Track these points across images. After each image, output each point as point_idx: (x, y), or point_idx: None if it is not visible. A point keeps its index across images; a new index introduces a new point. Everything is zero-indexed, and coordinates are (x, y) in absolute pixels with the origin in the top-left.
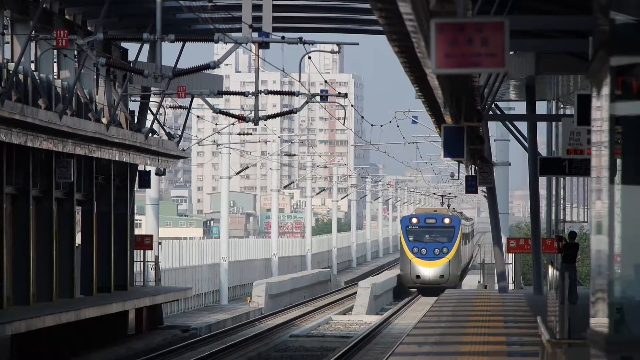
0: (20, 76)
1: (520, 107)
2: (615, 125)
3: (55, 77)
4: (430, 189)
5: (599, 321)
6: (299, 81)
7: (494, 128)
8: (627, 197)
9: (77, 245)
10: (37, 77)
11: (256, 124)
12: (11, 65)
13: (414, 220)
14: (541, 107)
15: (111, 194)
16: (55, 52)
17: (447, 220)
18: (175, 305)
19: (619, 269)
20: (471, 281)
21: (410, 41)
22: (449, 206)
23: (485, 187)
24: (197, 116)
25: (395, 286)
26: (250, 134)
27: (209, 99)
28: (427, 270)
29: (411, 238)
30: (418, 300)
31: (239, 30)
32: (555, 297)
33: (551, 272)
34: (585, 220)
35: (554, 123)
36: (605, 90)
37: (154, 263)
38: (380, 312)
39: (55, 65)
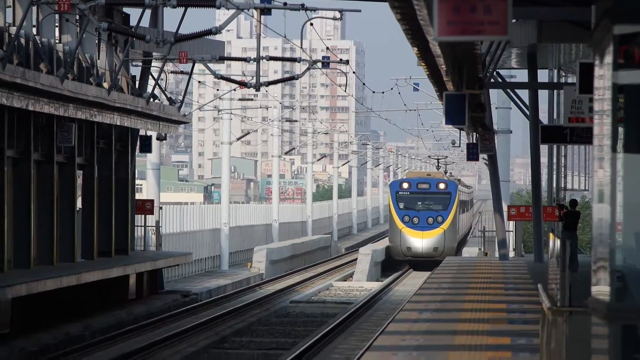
0: (22, 40)
1: (522, 75)
2: (618, 94)
3: (57, 41)
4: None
5: (601, 289)
6: (301, 47)
7: (496, 96)
8: (628, 165)
9: (78, 209)
10: (38, 41)
11: (257, 89)
12: (13, 29)
13: (405, 185)
14: (543, 75)
15: (112, 159)
16: (57, 16)
17: (442, 186)
18: (175, 270)
19: (621, 238)
20: (472, 248)
21: (412, 8)
22: (445, 172)
23: (487, 154)
24: (199, 82)
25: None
26: (252, 99)
27: (210, 65)
28: (419, 241)
29: (401, 205)
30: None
31: None
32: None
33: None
34: (586, 188)
35: (555, 91)
36: (608, 58)
37: (154, 228)
38: (380, 278)
39: (57, 29)
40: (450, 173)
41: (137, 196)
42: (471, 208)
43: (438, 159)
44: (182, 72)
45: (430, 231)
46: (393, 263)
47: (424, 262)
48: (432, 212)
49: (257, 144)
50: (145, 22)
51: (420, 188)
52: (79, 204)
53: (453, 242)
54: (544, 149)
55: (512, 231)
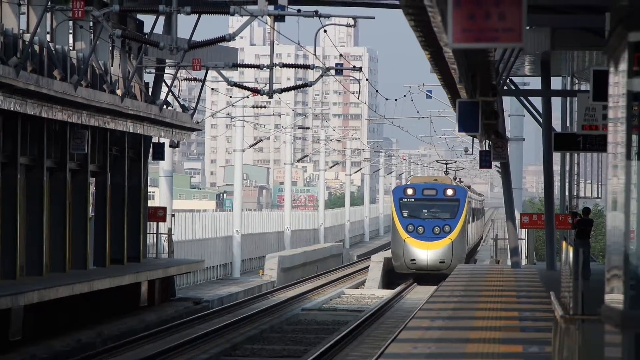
0: (36, 47)
1: (535, 83)
2: (633, 102)
3: (71, 48)
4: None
5: (614, 297)
6: (314, 54)
7: (509, 103)
8: None
9: (90, 216)
10: (52, 48)
11: (270, 96)
12: (27, 36)
13: (409, 192)
14: (556, 83)
15: (125, 166)
16: (71, 23)
17: (450, 192)
18: (187, 277)
19: (634, 246)
20: (484, 256)
21: (426, 15)
22: (455, 178)
23: (499, 162)
24: (212, 89)
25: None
26: (265, 107)
27: (223, 72)
28: (425, 253)
29: (405, 213)
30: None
31: (255, 3)
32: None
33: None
34: (599, 196)
35: (568, 99)
36: (623, 66)
37: (167, 235)
38: (392, 286)
39: (70, 36)
40: (460, 179)
41: (150, 203)
42: (482, 217)
43: (447, 164)
44: (195, 79)
45: (437, 242)
46: (394, 277)
47: (430, 275)
48: (438, 221)
49: (269, 151)
50: (159, 29)
51: (426, 195)
52: (91, 211)
53: (462, 253)
54: (556, 156)
55: (525, 239)
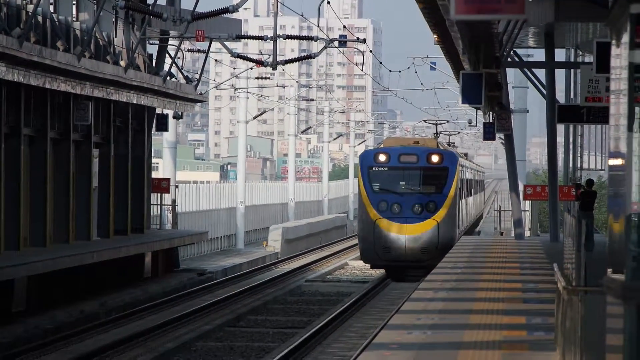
0: (39, 18)
1: (539, 55)
2: (635, 73)
3: (74, 19)
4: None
5: (616, 269)
6: (318, 26)
7: (512, 75)
8: None
9: (94, 187)
10: (55, 19)
11: (274, 68)
12: (30, 7)
13: (381, 158)
14: (560, 55)
15: (129, 137)
16: None
17: (435, 158)
18: (191, 248)
19: (636, 217)
20: (488, 228)
21: None
22: (450, 144)
23: (503, 134)
24: (215, 60)
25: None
26: (268, 78)
27: (227, 43)
28: (402, 239)
29: (376, 186)
30: None
31: None
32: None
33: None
34: (603, 168)
35: (572, 70)
36: (625, 37)
37: (170, 206)
38: None
39: (74, 7)
40: (454, 144)
41: (153, 175)
42: (482, 191)
43: (437, 124)
44: (199, 51)
45: (418, 224)
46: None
47: (409, 268)
48: (420, 197)
49: (273, 122)
50: (163, 0)
51: (404, 162)
52: (95, 182)
53: (451, 240)
54: (560, 128)
55: (528, 211)
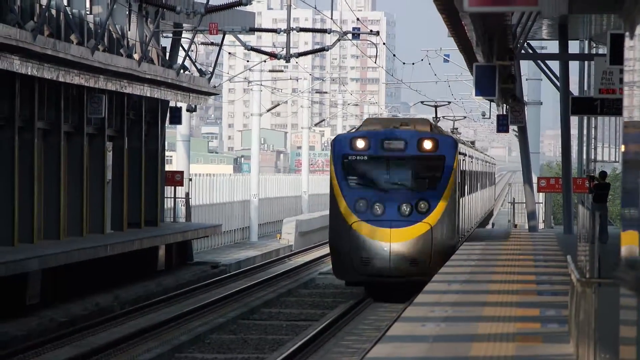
0: (53, 11)
1: (553, 47)
2: None
3: (88, 12)
4: (460, 127)
5: (630, 261)
6: (331, 19)
7: (526, 67)
8: None
9: (107, 180)
10: (69, 13)
11: (288, 61)
12: (44, 1)
13: (360, 144)
14: (574, 47)
15: (142, 130)
16: None
17: (428, 144)
18: (205, 241)
19: None
20: (501, 220)
21: None
22: (454, 130)
23: (517, 126)
24: (229, 53)
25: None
26: (282, 71)
27: (240, 36)
28: (385, 248)
29: (353, 180)
30: None
31: None
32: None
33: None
34: (617, 160)
35: (586, 62)
36: (639, 29)
37: (184, 199)
38: None
39: (87, 0)
40: (457, 129)
41: (167, 168)
42: (491, 186)
43: (436, 106)
44: (212, 44)
45: (406, 229)
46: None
47: (392, 284)
48: (409, 194)
49: (287, 115)
50: None
51: (389, 149)
52: (108, 175)
53: (449, 248)
54: (574, 120)
55: (542, 203)
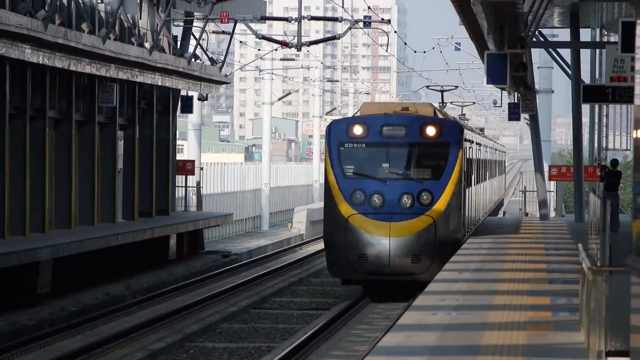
0: (64, 0)
1: (564, 35)
2: None
3: (99, 1)
4: (472, 115)
5: None
6: (342, 7)
7: (537, 55)
8: None
9: (119, 169)
10: (80, 1)
11: (299, 49)
12: None
13: (357, 130)
14: (585, 35)
15: (153, 119)
16: None
17: (431, 131)
18: (216, 230)
19: None
20: (513, 208)
21: None
22: (462, 116)
23: (528, 114)
24: (240, 42)
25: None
26: (293, 59)
27: (251, 25)
28: (384, 243)
29: (349, 170)
30: None
31: None
32: (596, 225)
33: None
34: (628, 148)
35: (597, 50)
36: None
37: (195, 188)
38: None
39: None
40: (464, 115)
41: (178, 157)
42: (502, 175)
43: (442, 91)
44: (223, 32)
45: (408, 222)
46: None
47: (392, 283)
48: (411, 184)
49: (298, 104)
50: None
51: (388, 135)
52: (120, 164)
53: (453, 243)
54: (585, 108)
55: (553, 191)
